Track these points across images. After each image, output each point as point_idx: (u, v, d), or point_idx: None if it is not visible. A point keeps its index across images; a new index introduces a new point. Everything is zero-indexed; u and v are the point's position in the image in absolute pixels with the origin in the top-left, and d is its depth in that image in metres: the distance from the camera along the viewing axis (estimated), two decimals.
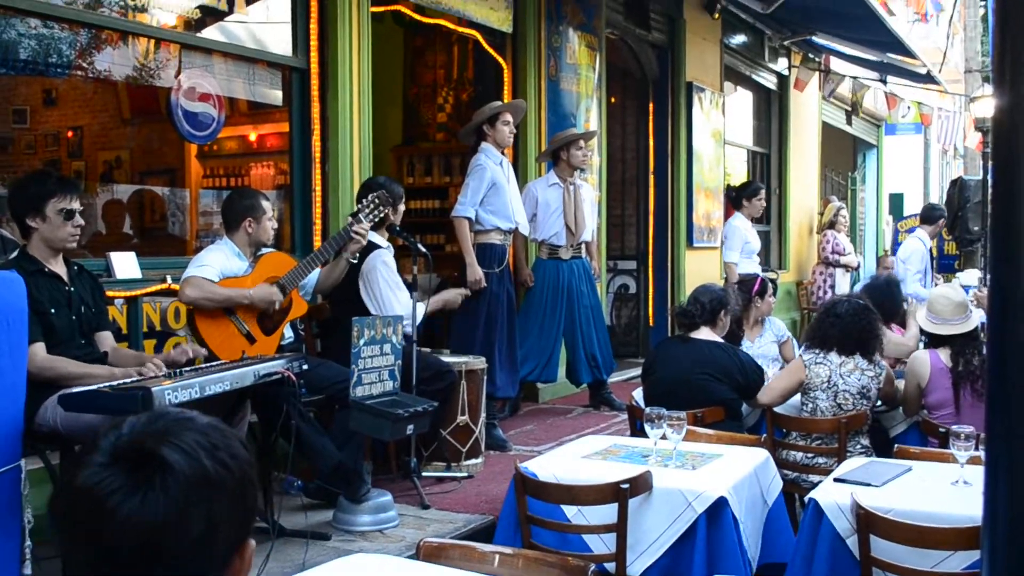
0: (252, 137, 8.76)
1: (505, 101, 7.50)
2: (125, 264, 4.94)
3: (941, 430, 4.54)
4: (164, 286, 5.07)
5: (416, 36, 10.18)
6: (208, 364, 4.18)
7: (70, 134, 8.29)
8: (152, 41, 5.53)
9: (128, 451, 1.20)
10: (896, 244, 14.37)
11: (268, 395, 4.24)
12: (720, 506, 3.56)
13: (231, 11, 5.88)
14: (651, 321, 10.32)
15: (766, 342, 6.18)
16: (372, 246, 5.34)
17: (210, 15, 5.81)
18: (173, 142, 7.80)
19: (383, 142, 10.10)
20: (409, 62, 10.44)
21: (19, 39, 5.18)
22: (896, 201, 18.23)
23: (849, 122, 16.29)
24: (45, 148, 8.19)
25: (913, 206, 17.88)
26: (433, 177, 10.14)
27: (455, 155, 9.72)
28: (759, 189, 9.73)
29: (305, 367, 4.28)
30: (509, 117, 6.71)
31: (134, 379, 3.69)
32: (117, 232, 7.65)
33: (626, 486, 3.53)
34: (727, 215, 10.32)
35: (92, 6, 5.09)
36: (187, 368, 3.92)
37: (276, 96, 6.24)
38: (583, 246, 7.50)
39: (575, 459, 4.07)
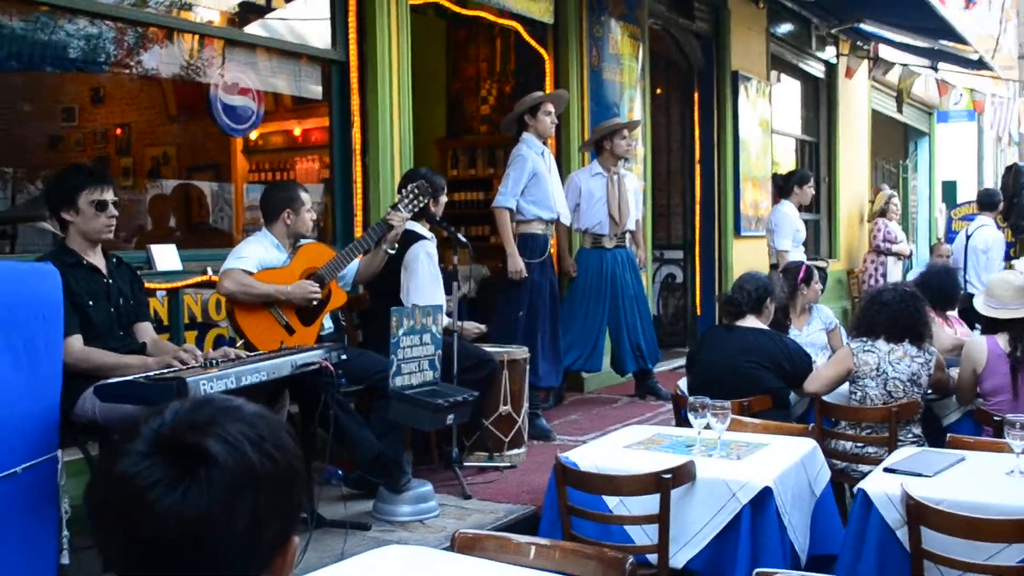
0: (296, 132, 8.83)
1: (547, 92, 7.42)
2: (166, 256, 4.93)
3: (996, 418, 4.40)
4: (205, 278, 5.07)
5: (458, 29, 10.14)
6: (246, 354, 4.14)
7: (118, 131, 8.35)
8: (196, 38, 5.54)
9: (170, 441, 1.13)
10: (950, 232, 14.06)
11: (307, 385, 4.19)
12: (765, 496, 3.46)
13: (270, 6, 5.86)
14: (698, 310, 10.19)
15: (814, 330, 6.04)
16: (416, 236, 5.30)
17: (250, 11, 5.81)
18: (218, 137, 7.84)
19: (427, 135, 10.08)
20: (452, 56, 10.41)
21: (67, 39, 5.19)
22: (949, 189, 17.85)
23: (900, 110, 15.97)
24: (94, 145, 8.27)
25: (967, 194, 17.49)
26: (477, 169, 10.10)
27: (499, 147, 9.66)
28: (808, 177, 9.55)
29: (344, 357, 4.22)
30: (551, 107, 6.63)
31: (170, 369, 3.65)
32: (163, 226, 7.70)
33: (668, 476, 3.43)
34: (774, 203, 10.14)
35: (138, 4, 5.10)
36: (223, 359, 3.87)
37: (316, 90, 6.21)
38: (627, 235, 7.40)
39: (617, 449, 3.99)
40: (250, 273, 4.62)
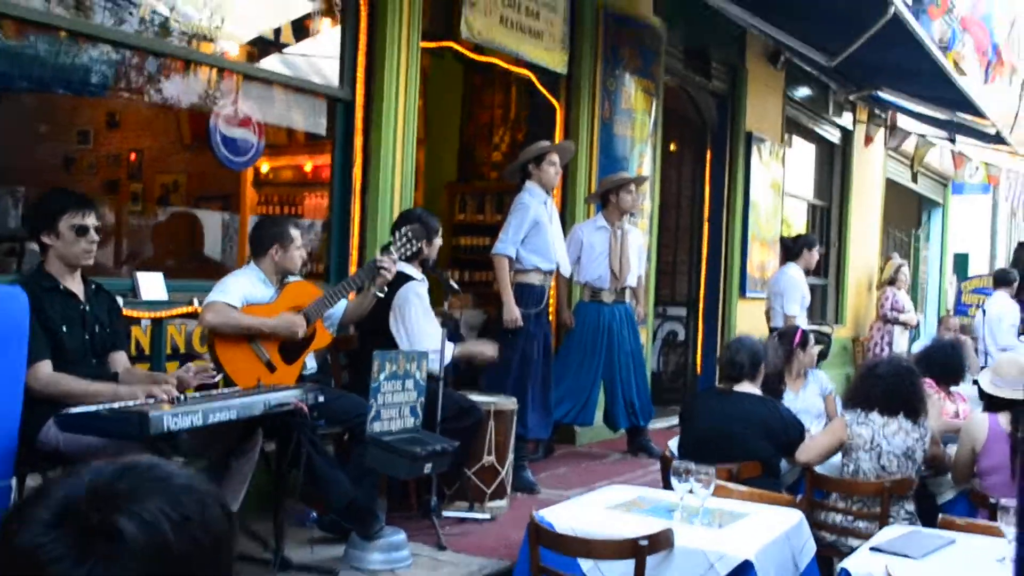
0: (307, 167, 8.77)
1: (556, 142, 7.34)
2: (151, 285, 4.83)
3: (992, 500, 4.24)
4: (191, 309, 4.96)
5: (475, 75, 10.11)
6: (218, 391, 4.02)
7: (131, 156, 8.31)
8: (210, 69, 5.50)
9: (79, 513, 1.00)
10: (960, 305, 13.90)
11: (283, 425, 4.07)
12: (745, 570, 3.32)
13: (279, 41, 5.84)
14: (699, 369, 10.02)
15: (810, 395, 5.90)
16: (405, 278, 5.20)
17: (260, 45, 5.79)
18: (228, 169, 7.81)
19: (438, 178, 10.09)
20: (467, 101, 10.39)
21: (87, 63, 5.17)
22: (961, 261, 17.69)
23: (914, 180, 15.88)
24: (106, 168, 8.22)
25: (978, 267, 17.31)
26: (485, 214, 10.03)
27: (507, 194, 9.52)
28: (816, 242, 9.46)
29: (321, 399, 4.12)
30: (556, 158, 6.54)
31: (135, 402, 3.52)
32: (161, 254, 7.61)
33: (645, 543, 3.29)
34: (781, 264, 9.98)
35: (160, 34, 5.09)
36: (196, 393, 3.75)
37: (321, 126, 6.16)
38: (627, 291, 7.27)
39: (597, 509, 3.85)
40: (234, 307, 4.52)
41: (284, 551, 4.18)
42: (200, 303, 4.84)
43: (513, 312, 6.18)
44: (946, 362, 5.73)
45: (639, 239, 7.58)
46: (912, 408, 4.56)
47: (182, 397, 3.59)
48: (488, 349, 5.57)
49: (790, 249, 9.53)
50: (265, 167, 8.92)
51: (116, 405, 3.45)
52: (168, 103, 5.72)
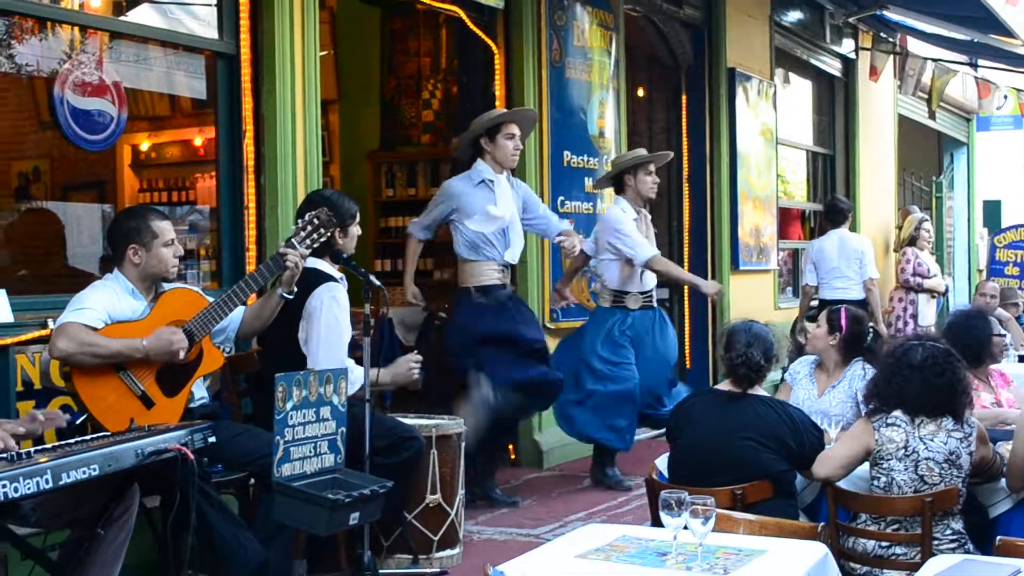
0: (198, 142, 8.58)
1: (497, 93, 7.27)
2: None
3: None
4: (45, 332, 4.75)
5: (395, 17, 10.02)
6: (76, 439, 3.80)
7: None
8: (69, 27, 5.41)
9: None
10: (994, 263, 13.93)
11: (165, 477, 3.87)
12: None
13: None
14: (687, 362, 9.98)
15: (839, 396, 5.67)
16: (322, 277, 5.02)
17: None
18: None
19: (357, 147, 10.03)
20: (387, 50, 10.29)
21: None
22: (992, 210, 17.78)
23: (932, 116, 15.94)
24: None
25: (1013, 216, 17.38)
26: (418, 188, 9.93)
27: (445, 161, 9.45)
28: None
29: (212, 439, 3.96)
30: (515, 129, 6.47)
31: None
32: (10, 264, 7.32)
33: None
34: (822, 231, 10.55)
35: None
36: (47, 445, 3.54)
37: (199, 89, 6.07)
38: None
39: (567, 559, 3.66)
40: (95, 329, 4.33)
41: None
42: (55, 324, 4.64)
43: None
44: (975, 339, 5.61)
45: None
46: (956, 405, 4.43)
47: (23, 453, 3.36)
48: (406, 369, 5.31)
49: (842, 212, 10.28)
50: (145, 144, 8.74)
51: None
52: (19, 72, 5.63)
